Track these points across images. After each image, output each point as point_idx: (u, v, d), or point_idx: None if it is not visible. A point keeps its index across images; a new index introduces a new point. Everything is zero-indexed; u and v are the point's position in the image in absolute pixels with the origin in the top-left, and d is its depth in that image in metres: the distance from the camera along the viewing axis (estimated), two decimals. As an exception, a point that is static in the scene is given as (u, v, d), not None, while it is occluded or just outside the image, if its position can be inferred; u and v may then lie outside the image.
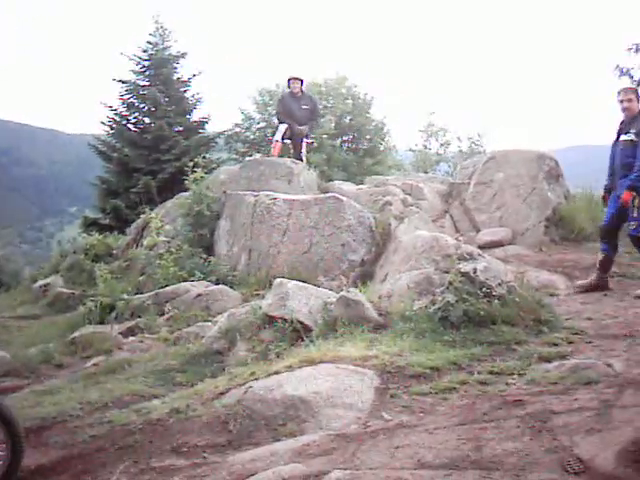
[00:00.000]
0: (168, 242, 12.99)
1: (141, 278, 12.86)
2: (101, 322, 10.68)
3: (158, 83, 26.63)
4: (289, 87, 15.60)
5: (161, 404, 6.14)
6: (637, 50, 24.21)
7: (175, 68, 27.41)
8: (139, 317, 10.46)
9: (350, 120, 33.34)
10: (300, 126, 15.13)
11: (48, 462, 5.35)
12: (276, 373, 6.12)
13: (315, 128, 16.18)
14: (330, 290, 8.85)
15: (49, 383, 7.84)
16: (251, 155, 27.40)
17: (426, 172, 28.15)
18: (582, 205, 12.37)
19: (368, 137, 33.92)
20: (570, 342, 6.48)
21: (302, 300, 7.92)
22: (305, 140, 15.40)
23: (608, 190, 9.19)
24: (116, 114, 26.90)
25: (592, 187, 13.27)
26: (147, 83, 26.99)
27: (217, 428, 5.37)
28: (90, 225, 23.91)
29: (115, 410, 6.25)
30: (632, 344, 6.27)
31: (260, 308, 8.17)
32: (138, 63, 26.99)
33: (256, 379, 6.09)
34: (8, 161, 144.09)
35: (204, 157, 14.59)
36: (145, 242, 13.98)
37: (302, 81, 15.74)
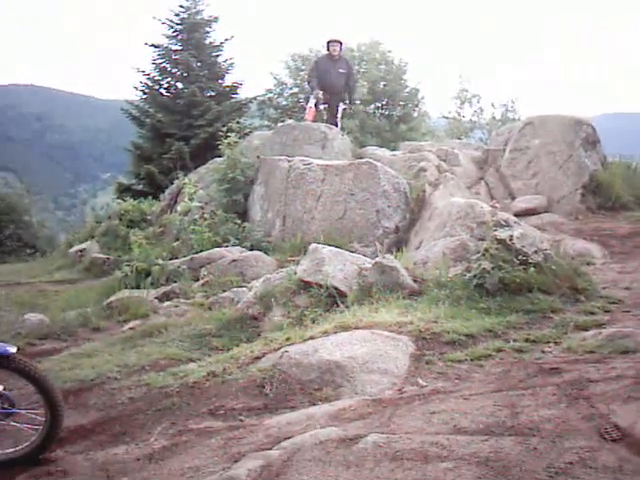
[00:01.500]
0: (202, 208, 13.04)
1: (175, 244, 12.94)
2: (137, 287, 10.78)
3: (190, 48, 26.57)
4: (328, 50, 15.34)
5: (198, 368, 6.21)
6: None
7: (207, 32, 27.33)
8: (174, 282, 10.56)
9: (384, 86, 33.07)
10: (335, 90, 15.01)
11: (87, 423, 5.45)
12: (311, 338, 6.16)
13: (353, 95, 15.99)
14: (364, 256, 8.84)
15: (87, 346, 7.95)
16: (283, 121, 27.34)
17: (460, 139, 27.89)
18: (619, 173, 12.16)
19: (402, 103, 33.65)
20: (607, 311, 6.43)
21: (337, 266, 7.93)
22: (341, 105, 15.28)
23: None
24: (149, 79, 26.95)
25: (630, 155, 13.12)
26: (179, 48, 26.94)
27: (253, 392, 5.43)
28: (124, 191, 24.06)
29: (152, 373, 6.35)
30: (670, 314, 6.22)
31: (295, 274, 8.20)
32: (170, 27, 26.93)
33: (291, 344, 6.14)
34: (42, 127, 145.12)
35: (238, 122, 14.58)
36: (179, 208, 14.05)
37: (341, 44, 15.55)
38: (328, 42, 15.29)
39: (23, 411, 4.67)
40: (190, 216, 13.19)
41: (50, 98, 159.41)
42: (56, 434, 4.69)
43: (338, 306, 7.35)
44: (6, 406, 4.59)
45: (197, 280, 10.46)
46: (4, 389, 4.61)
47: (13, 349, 4.47)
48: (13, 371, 4.52)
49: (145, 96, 27.09)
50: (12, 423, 4.68)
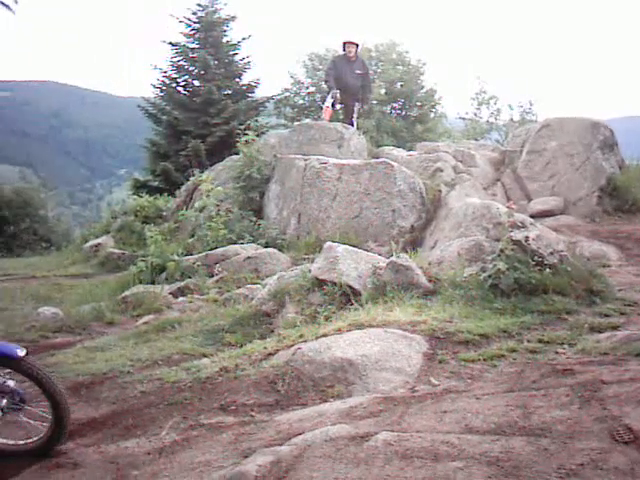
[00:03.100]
0: (218, 205, 13.07)
1: (190, 240, 12.97)
2: (151, 282, 10.82)
3: (208, 46, 26.67)
4: (344, 51, 15.38)
5: (210, 363, 6.22)
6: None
7: (225, 31, 27.44)
8: (189, 278, 10.58)
9: (401, 86, 33.05)
10: (351, 90, 15.01)
11: (99, 416, 5.47)
12: (324, 336, 6.16)
13: (367, 95, 16.00)
14: (379, 255, 8.83)
15: (100, 340, 7.97)
16: (300, 120, 27.34)
17: (477, 140, 27.84)
18: (637, 175, 12.14)
19: (419, 103, 33.62)
20: (622, 313, 6.39)
21: (352, 264, 7.92)
22: (357, 105, 15.28)
23: None
24: (166, 77, 27.06)
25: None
26: (197, 46, 27.06)
27: (265, 388, 5.43)
28: (140, 187, 24.20)
29: (165, 368, 6.38)
30: (685, 317, 6.18)
31: (310, 271, 8.18)
32: (188, 25, 27.03)
33: (305, 341, 6.13)
34: (59, 123, 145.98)
35: (257, 121, 14.64)
36: (195, 204, 14.09)
37: (357, 45, 15.54)
38: (344, 43, 15.28)
39: (33, 408, 4.70)
40: (206, 213, 13.23)
41: (67, 94, 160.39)
42: (61, 435, 4.69)
43: (352, 304, 7.33)
44: (17, 401, 4.62)
45: (211, 276, 10.49)
46: (15, 384, 4.64)
47: (22, 352, 4.50)
48: (21, 373, 4.56)
49: (162, 93, 27.22)
50: (23, 418, 4.71)
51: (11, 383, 4.61)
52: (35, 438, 4.71)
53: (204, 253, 11.38)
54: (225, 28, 27.43)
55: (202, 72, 26.67)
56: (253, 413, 5.05)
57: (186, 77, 27.38)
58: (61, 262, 16.27)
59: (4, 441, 4.74)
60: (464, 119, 36.11)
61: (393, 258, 7.74)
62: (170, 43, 26.88)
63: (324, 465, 3.62)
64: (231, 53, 27.55)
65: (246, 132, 13.45)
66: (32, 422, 4.70)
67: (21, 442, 4.73)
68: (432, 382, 5.14)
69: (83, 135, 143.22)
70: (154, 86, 27.09)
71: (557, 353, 5.40)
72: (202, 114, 25.30)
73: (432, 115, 34.21)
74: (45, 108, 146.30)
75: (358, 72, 15.12)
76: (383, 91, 31.64)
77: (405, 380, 5.27)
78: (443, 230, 9.86)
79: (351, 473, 3.45)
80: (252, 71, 34.72)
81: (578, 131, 12.44)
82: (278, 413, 4.96)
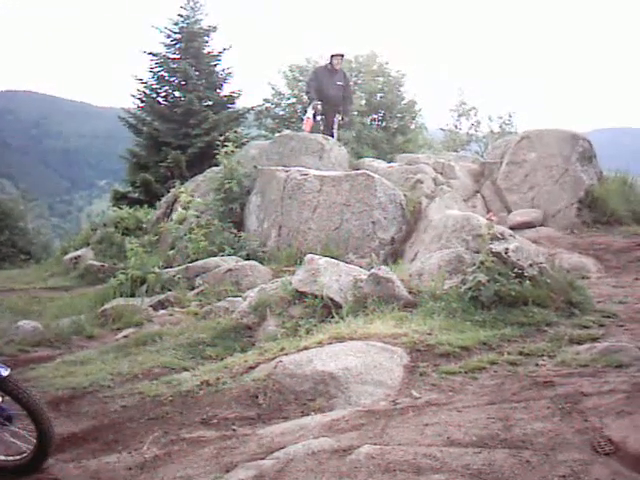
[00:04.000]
0: (198, 217, 13.01)
1: (171, 252, 12.89)
2: (131, 295, 10.73)
3: (189, 56, 26.59)
4: (331, 63, 15.35)
5: (191, 377, 6.20)
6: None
7: (206, 41, 27.36)
8: (169, 291, 10.51)
9: (381, 98, 33.10)
10: (332, 102, 15.06)
11: (80, 431, 5.42)
12: (305, 349, 6.16)
13: (348, 107, 16.07)
14: (360, 267, 8.83)
15: (80, 354, 7.90)
16: (281, 131, 27.34)
17: (456, 151, 27.95)
18: (615, 187, 12.24)
19: (399, 115, 33.68)
20: (601, 325, 6.45)
21: (333, 277, 7.92)
22: (337, 117, 15.32)
23: None
24: (146, 87, 26.95)
25: (625, 169, 13.20)
26: (178, 56, 26.97)
27: (247, 401, 5.43)
28: (120, 199, 24.03)
29: (145, 381, 6.34)
30: (664, 328, 6.22)
31: (290, 284, 8.18)
32: (169, 36, 26.98)
33: (286, 354, 6.13)
34: (39, 133, 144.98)
35: (235, 132, 14.58)
36: (175, 216, 14.02)
37: (342, 56, 15.65)
38: (332, 56, 15.31)
39: (19, 427, 4.66)
40: (186, 225, 13.16)
41: (48, 104, 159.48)
42: (46, 453, 4.66)
43: (333, 317, 7.32)
44: (5, 418, 4.58)
45: (192, 289, 10.42)
46: (2, 401, 4.60)
47: (6, 371, 4.46)
48: (4, 393, 4.52)
49: (142, 104, 27.10)
50: (8, 436, 4.67)
51: None
52: (18, 457, 4.67)
53: (184, 265, 11.31)
54: (206, 38, 27.39)
55: (183, 83, 26.59)
56: (235, 427, 5.03)
57: (167, 88, 27.26)
58: (40, 274, 16.14)
59: None
60: (444, 130, 36.28)
61: (374, 270, 7.76)
62: (151, 53, 26.79)
63: (307, 479, 3.62)
64: (212, 64, 27.47)
65: (225, 143, 13.41)
66: (17, 440, 4.67)
67: (2, 457, 4.69)
68: (413, 395, 5.14)
69: (64, 145, 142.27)
70: (134, 97, 27.02)
71: (537, 365, 5.43)
72: (182, 125, 25.22)
73: (412, 126, 34.27)
74: (26, 118, 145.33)
75: (339, 83, 15.16)
76: (363, 102, 31.68)
77: (387, 393, 5.28)
78: (423, 242, 9.89)
79: (333, 487, 3.45)
80: (233, 82, 34.65)
81: (557, 143, 12.53)
82: (260, 427, 4.95)
